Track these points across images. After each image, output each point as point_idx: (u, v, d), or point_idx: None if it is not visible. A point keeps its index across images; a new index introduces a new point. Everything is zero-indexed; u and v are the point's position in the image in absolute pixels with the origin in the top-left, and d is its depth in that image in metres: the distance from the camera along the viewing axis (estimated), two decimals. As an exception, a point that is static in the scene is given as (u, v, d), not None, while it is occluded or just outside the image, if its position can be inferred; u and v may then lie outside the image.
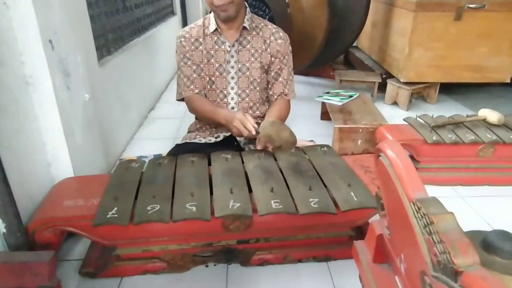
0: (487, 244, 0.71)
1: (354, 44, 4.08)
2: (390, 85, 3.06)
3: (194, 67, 1.62)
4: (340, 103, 2.42)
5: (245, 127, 1.43)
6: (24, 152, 1.31)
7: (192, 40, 1.60)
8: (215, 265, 1.39)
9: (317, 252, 1.38)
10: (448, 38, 2.76)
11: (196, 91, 1.63)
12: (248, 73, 1.61)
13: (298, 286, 1.31)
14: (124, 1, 2.59)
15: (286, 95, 1.67)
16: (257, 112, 1.69)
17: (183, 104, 1.74)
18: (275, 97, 1.68)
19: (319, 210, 1.16)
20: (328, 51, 3.34)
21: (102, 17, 2.16)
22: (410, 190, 0.67)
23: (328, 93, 2.66)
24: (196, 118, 1.80)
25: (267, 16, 2.67)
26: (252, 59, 1.60)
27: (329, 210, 1.17)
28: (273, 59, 1.61)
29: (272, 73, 1.64)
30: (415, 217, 0.64)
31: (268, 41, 1.59)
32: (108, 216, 1.14)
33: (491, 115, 1.84)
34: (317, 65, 3.58)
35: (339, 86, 3.19)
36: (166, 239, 1.29)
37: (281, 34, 1.62)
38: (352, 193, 1.23)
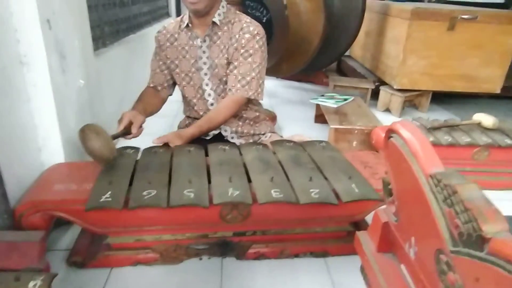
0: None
1: (347, 53, 4.13)
2: (383, 91, 3.09)
3: (161, 63, 1.64)
4: (335, 105, 2.42)
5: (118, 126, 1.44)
6: (14, 133, 1.25)
7: (168, 35, 1.59)
8: (209, 258, 1.34)
9: (314, 247, 1.35)
10: (441, 47, 2.81)
11: (152, 85, 1.68)
12: (217, 70, 1.56)
13: (295, 282, 1.27)
14: (121, -5, 2.57)
15: (237, 90, 1.53)
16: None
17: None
18: (227, 91, 1.57)
19: (320, 201, 1.14)
20: (322, 57, 3.36)
21: (100, 8, 2.13)
22: (427, 166, 0.65)
23: (323, 95, 2.67)
24: (187, 116, 1.77)
25: (265, 18, 2.67)
26: (220, 55, 1.54)
27: (330, 200, 1.14)
28: (236, 52, 1.52)
29: (230, 66, 1.55)
30: (433, 192, 0.63)
31: (236, 36, 1.51)
32: (101, 200, 1.09)
33: (486, 119, 1.86)
34: (311, 71, 3.60)
35: (333, 91, 3.20)
36: (160, 228, 1.25)
37: (251, 28, 1.51)
38: (353, 185, 1.21)
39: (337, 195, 1.17)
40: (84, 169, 1.33)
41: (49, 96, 1.32)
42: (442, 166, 0.64)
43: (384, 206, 0.96)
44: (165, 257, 1.29)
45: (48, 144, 1.39)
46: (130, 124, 1.42)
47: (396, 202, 0.85)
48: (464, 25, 2.75)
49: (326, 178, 1.26)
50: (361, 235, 1.03)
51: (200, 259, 1.34)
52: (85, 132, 1.24)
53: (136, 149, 1.44)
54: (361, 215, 1.30)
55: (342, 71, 4.23)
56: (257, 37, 1.52)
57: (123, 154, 1.38)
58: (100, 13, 2.13)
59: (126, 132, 1.41)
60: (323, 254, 1.36)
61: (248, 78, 1.53)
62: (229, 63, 1.55)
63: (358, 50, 4.06)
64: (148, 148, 1.44)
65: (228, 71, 1.56)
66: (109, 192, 1.12)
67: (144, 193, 1.12)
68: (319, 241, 1.36)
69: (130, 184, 1.19)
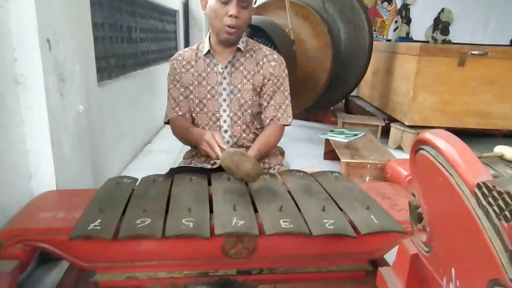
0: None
1: (354, 93, 4.12)
2: (394, 128, 3.00)
3: (182, 89, 1.59)
4: (345, 140, 2.33)
5: (212, 150, 1.34)
6: (3, 158, 1.16)
7: (184, 62, 1.57)
8: (209, 301, 1.19)
9: (329, 289, 1.19)
10: (452, 83, 2.76)
11: (180, 113, 1.60)
12: (239, 95, 1.54)
13: (307, 330, 1.11)
14: (130, 32, 2.59)
15: (279, 119, 1.58)
16: (250, 135, 1.61)
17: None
18: (267, 121, 1.59)
19: (336, 232, 1.01)
20: (330, 94, 3.34)
21: (106, 40, 2.13)
22: (472, 175, 0.54)
23: (332, 131, 2.59)
24: (194, 146, 1.69)
25: (272, 54, 2.67)
26: (245, 80, 1.54)
27: (347, 232, 1.01)
28: (265, 81, 1.54)
29: (265, 96, 1.57)
30: (482, 206, 0.51)
31: (261, 63, 1.54)
32: (89, 227, 0.97)
33: (509, 151, 1.74)
34: (319, 109, 3.56)
35: (342, 128, 3.13)
36: (155, 264, 1.11)
37: (275, 56, 1.57)
38: (372, 216, 1.08)
39: (354, 227, 1.04)
40: (76, 197, 1.22)
41: (44, 119, 1.25)
42: (490, 175, 0.53)
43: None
44: (159, 299, 1.14)
45: (40, 171, 1.30)
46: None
47: (428, 228, 0.72)
48: (474, 61, 2.71)
49: (341, 209, 1.14)
50: (384, 271, 0.89)
51: (199, 301, 1.18)
52: (233, 158, 1.18)
53: (134, 179, 1.34)
54: (381, 251, 1.15)
55: (350, 110, 4.19)
56: (283, 65, 1.58)
57: (119, 184, 1.28)
58: (106, 45, 2.12)
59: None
60: (339, 297, 1.20)
61: (284, 106, 1.59)
62: (255, 89, 1.55)
63: (365, 89, 4.04)
64: (146, 176, 1.33)
65: (263, 101, 1.58)
66: (99, 220, 1.00)
67: (138, 221, 1.00)
68: (334, 282, 1.20)
69: (124, 213, 1.08)
